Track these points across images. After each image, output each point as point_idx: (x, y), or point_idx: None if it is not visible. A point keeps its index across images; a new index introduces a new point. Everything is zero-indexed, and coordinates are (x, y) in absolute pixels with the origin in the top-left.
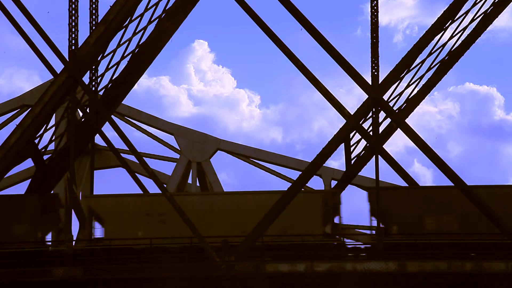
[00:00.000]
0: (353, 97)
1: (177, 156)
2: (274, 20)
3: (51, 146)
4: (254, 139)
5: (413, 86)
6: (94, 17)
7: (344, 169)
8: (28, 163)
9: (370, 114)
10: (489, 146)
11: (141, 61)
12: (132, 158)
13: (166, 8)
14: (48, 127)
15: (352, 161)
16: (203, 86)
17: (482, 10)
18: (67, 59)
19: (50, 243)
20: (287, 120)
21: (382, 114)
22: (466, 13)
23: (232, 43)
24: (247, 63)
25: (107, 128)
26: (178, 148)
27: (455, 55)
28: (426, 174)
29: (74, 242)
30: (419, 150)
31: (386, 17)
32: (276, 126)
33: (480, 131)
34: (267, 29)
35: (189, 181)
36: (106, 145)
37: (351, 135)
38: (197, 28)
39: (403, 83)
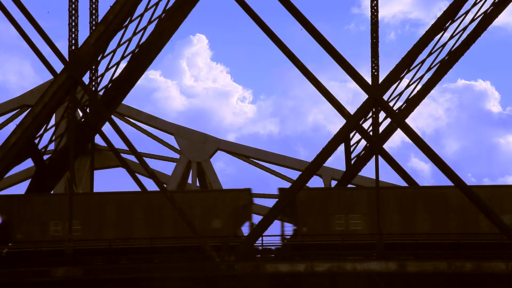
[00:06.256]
0: (348, 91)
1: (177, 156)
2: (269, 12)
3: (51, 146)
4: (250, 132)
5: (413, 86)
6: (94, 17)
7: (344, 169)
8: (28, 163)
9: (370, 114)
10: (487, 141)
11: (141, 61)
12: (132, 158)
13: (166, 8)
14: (48, 127)
15: (352, 161)
16: (196, 81)
17: (482, 10)
18: (67, 59)
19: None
20: (282, 113)
21: (382, 114)
22: (466, 13)
23: (229, 39)
24: (243, 58)
25: (107, 128)
26: (178, 148)
27: (455, 55)
28: (424, 169)
29: None
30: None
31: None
32: (272, 118)
33: (477, 127)
34: (267, 29)
35: (189, 181)
36: (106, 145)
37: (351, 135)
38: (196, 22)
39: (403, 83)
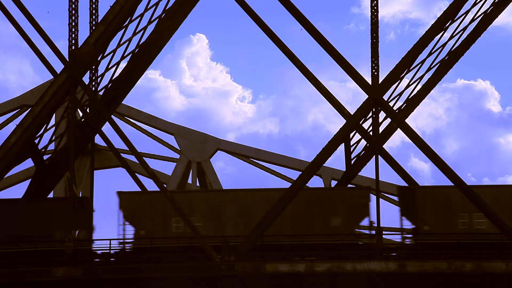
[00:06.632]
0: (348, 91)
1: (177, 156)
2: (269, 12)
3: (51, 146)
4: (250, 132)
5: (413, 86)
6: (94, 17)
7: (344, 169)
8: (28, 163)
9: (370, 114)
10: (487, 141)
11: (141, 61)
12: (132, 158)
13: (166, 8)
14: (48, 127)
15: (352, 161)
16: (195, 81)
17: (482, 10)
18: (67, 59)
19: None
20: (281, 112)
21: (382, 114)
22: (466, 13)
23: (229, 39)
24: (242, 58)
25: (107, 128)
26: (178, 148)
27: (455, 55)
28: (424, 169)
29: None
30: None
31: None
32: (272, 118)
33: (477, 127)
34: (267, 29)
35: (189, 181)
36: (106, 145)
37: (351, 135)
38: (196, 22)
39: (403, 83)
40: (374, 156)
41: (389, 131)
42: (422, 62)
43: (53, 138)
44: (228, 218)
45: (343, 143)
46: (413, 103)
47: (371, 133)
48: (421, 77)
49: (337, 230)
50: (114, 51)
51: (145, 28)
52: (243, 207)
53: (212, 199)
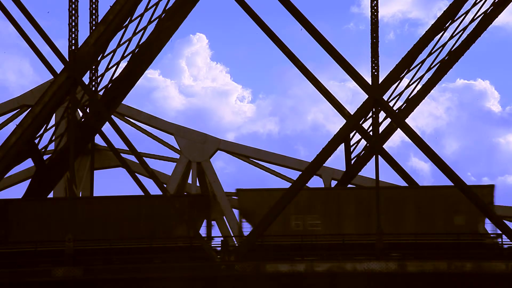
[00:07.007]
0: (348, 90)
1: (177, 156)
2: (269, 12)
3: (51, 146)
4: (249, 131)
5: (413, 86)
6: (94, 17)
7: (344, 169)
8: (28, 163)
9: (370, 114)
10: (487, 141)
11: (141, 61)
12: (132, 158)
13: (166, 8)
14: (48, 127)
15: (352, 161)
16: (195, 80)
17: (482, 10)
18: (67, 59)
19: None
20: (281, 112)
21: (382, 114)
22: (466, 13)
23: (229, 39)
24: (242, 57)
25: (107, 128)
26: (178, 148)
27: (455, 55)
28: (424, 169)
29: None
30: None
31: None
32: (271, 117)
33: (477, 126)
34: (267, 29)
35: (189, 181)
36: (106, 145)
37: (351, 135)
38: (196, 22)
39: (403, 83)
40: (374, 156)
41: (389, 131)
42: (422, 62)
43: (53, 138)
44: (347, 216)
45: (343, 143)
46: (413, 103)
47: (371, 133)
48: (421, 77)
49: (461, 229)
50: (114, 51)
51: (145, 28)
52: (362, 205)
53: (331, 197)
